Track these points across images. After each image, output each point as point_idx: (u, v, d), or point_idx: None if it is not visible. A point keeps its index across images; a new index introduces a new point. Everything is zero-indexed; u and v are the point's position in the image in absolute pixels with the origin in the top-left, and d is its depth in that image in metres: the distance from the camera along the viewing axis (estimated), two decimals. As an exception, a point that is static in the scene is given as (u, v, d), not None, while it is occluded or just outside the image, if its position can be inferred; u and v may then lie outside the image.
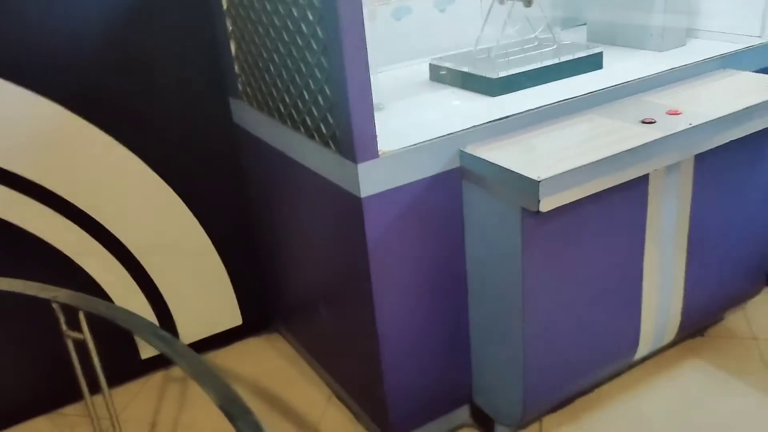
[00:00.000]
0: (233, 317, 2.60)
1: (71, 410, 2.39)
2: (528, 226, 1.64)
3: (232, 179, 2.43)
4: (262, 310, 2.68)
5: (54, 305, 1.59)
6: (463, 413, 2.10)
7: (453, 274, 1.88)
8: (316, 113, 1.75)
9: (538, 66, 2.08)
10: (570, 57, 2.13)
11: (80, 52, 2.04)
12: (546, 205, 1.56)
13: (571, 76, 2.12)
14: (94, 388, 1.73)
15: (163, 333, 1.39)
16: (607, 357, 2.00)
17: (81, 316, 1.57)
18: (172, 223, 2.35)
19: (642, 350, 2.06)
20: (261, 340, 2.68)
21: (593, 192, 1.66)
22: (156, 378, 2.53)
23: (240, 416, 1.15)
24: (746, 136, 1.87)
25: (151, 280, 2.39)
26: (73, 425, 2.31)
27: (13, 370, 2.27)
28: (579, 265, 1.80)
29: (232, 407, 1.18)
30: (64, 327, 1.63)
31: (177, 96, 2.24)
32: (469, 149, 1.74)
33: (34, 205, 2.10)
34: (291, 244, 2.26)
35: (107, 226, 2.24)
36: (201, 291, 2.49)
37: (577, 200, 1.64)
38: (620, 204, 1.81)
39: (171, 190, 2.30)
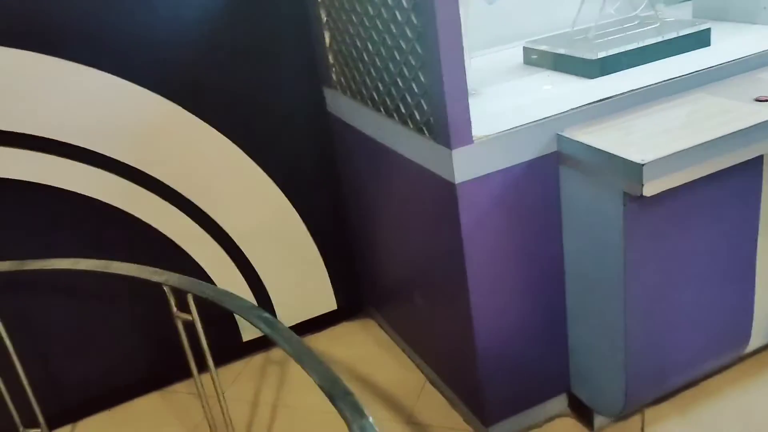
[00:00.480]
0: (328, 302, 2.66)
1: (180, 387, 2.53)
2: (630, 212, 1.59)
3: (327, 168, 2.48)
4: (355, 295, 2.73)
5: (165, 288, 1.68)
6: (560, 402, 2.06)
7: (549, 260, 1.84)
8: (410, 100, 1.76)
9: (640, 45, 1.99)
10: (674, 35, 2.03)
11: (186, 50, 2.14)
12: (650, 189, 1.50)
13: (675, 54, 2.02)
14: (201, 368, 1.81)
15: (267, 315, 1.44)
16: (716, 348, 1.91)
17: (189, 298, 1.65)
18: (271, 212, 2.43)
19: (754, 342, 1.95)
20: (354, 325, 2.73)
21: (701, 175, 1.58)
22: (257, 360, 2.63)
23: (341, 397, 1.18)
24: None
25: (252, 266, 2.48)
26: (182, 402, 2.45)
27: (127, 348, 2.43)
28: (685, 251, 1.72)
29: (332, 388, 1.21)
30: (174, 309, 1.72)
31: (275, 88, 2.31)
32: (567, 133, 1.70)
33: (146, 195, 2.23)
34: (385, 231, 2.28)
35: (211, 215, 2.34)
36: (298, 277, 2.57)
37: (684, 184, 1.56)
38: (731, 187, 1.72)
39: (270, 179, 2.38)
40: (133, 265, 1.75)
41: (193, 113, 2.19)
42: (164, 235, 2.30)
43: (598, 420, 1.98)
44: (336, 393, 1.19)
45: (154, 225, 2.28)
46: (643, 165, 1.47)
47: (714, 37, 2.07)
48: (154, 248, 2.29)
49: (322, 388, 1.23)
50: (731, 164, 1.61)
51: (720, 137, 1.55)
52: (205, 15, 2.13)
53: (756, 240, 1.82)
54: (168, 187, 2.25)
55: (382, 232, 2.32)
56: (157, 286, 1.70)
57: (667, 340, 1.79)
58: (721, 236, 1.76)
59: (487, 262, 1.77)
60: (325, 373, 1.25)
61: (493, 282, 1.80)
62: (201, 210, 2.32)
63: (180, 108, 2.17)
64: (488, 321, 1.83)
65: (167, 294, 1.70)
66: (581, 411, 2.02)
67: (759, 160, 1.71)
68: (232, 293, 1.58)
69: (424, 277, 2.10)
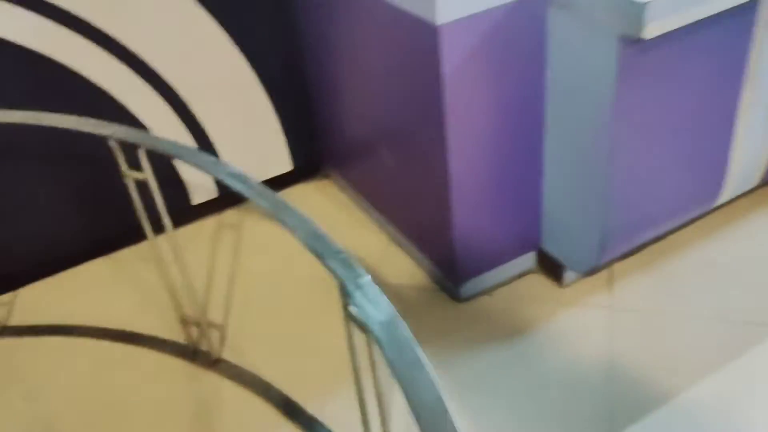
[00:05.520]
0: (283, 162, 2.51)
1: (127, 254, 2.38)
2: (624, 56, 1.47)
3: (281, 10, 2.22)
4: (313, 155, 2.57)
5: (112, 142, 1.48)
6: (529, 259, 2.04)
7: (531, 111, 1.73)
8: (386, -75, 1.54)
9: None
10: None
11: None
12: (650, 31, 1.39)
13: None
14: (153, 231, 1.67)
15: (237, 171, 1.29)
16: (691, 201, 1.89)
17: (141, 153, 1.47)
18: (218, 61, 2.19)
19: (725, 195, 1.95)
20: (312, 186, 2.60)
21: (700, 17, 1.47)
22: (208, 223, 2.49)
23: (331, 255, 1.07)
24: None
25: (199, 124, 2.27)
26: (131, 267, 2.31)
27: (69, 213, 2.24)
28: (672, 100, 1.64)
29: (320, 246, 1.10)
30: (123, 166, 1.53)
31: None
32: (561, -32, 1.54)
33: (76, 39, 1.95)
34: (350, 84, 2.10)
35: (153, 66, 2.09)
36: (250, 135, 2.38)
37: (680, 27, 1.46)
38: (724, 33, 1.61)
39: (218, 25, 2.12)
40: (71, 117, 1.54)
41: (125, -57, 1.89)
42: (100, 89, 2.05)
43: (567, 275, 1.98)
44: (325, 251, 1.08)
45: (89, 77, 2.02)
46: (645, 3, 1.35)
47: None
48: (90, 104, 2.04)
49: (307, 246, 1.11)
50: (731, 5, 1.51)
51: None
52: None
53: (740, 91, 1.75)
54: (104, 33, 1.97)
55: (346, 85, 2.14)
56: (100, 140, 1.50)
57: (646, 191, 1.75)
58: (708, 85, 1.69)
59: (468, 114, 1.65)
60: (310, 229, 1.13)
61: (473, 136, 1.69)
62: (141, 60, 2.06)
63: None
64: (465, 176, 1.74)
65: (114, 150, 1.51)
66: (550, 267, 2.01)
67: (753, 6, 1.61)
68: (190, 147, 1.41)
69: (395, 132, 1.97)
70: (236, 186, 1.25)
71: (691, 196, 1.88)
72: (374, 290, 0.99)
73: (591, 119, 1.61)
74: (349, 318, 1.04)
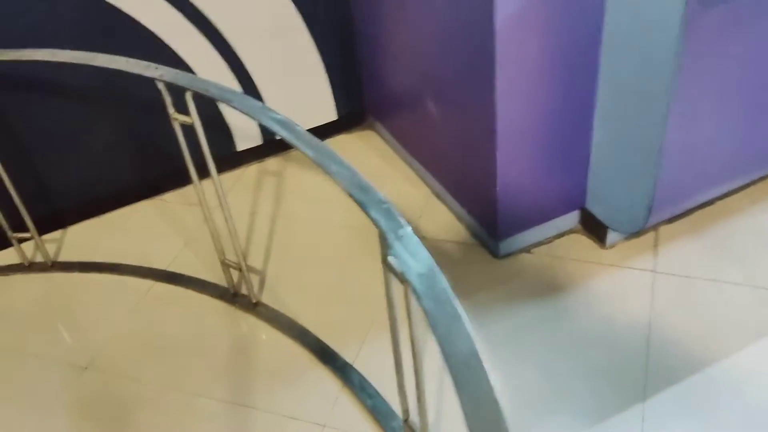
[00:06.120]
0: (328, 112, 2.50)
1: (171, 197, 2.43)
2: (692, 8, 1.40)
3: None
4: (358, 105, 2.56)
5: (159, 84, 1.49)
6: (572, 218, 2.01)
7: (585, 63, 1.67)
8: None
9: None
10: None
11: None
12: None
13: None
14: (200, 176, 1.69)
15: (282, 117, 1.29)
16: (747, 165, 1.83)
17: (188, 96, 1.47)
18: (265, 5, 2.17)
19: (781, 162, 1.88)
20: (355, 137, 2.60)
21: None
22: (251, 170, 2.51)
23: (374, 204, 1.07)
24: None
25: (245, 68, 2.27)
26: (175, 211, 2.36)
27: (116, 154, 2.28)
28: (738, 60, 1.57)
29: (364, 195, 1.09)
30: (170, 109, 1.54)
31: None
32: None
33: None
34: (398, 31, 2.06)
35: (201, 8, 2.09)
36: (295, 82, 2.37)
37: (750, -19, 1.38)
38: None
39: (264, -33, 2.10)
40: (120, 57, 1.55)
41: None
42: (147, 29, 2.06)
43: (611, 236, 1.94)
44: (368, 200, 1.08)
45: (136, 17, 2.03)
46: (714, -46, 1.27)
47: None
48: (136, 44, 2.06)
49: (351, 195, 1.11)
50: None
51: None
52: None
53: (808, 52, 1.66)
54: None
55: (395, 33, 2.10)
56: (149, 83, 1.51)
57: (701, 152, 1.69)
58: (774, 45, 1.60)
59: (518, 62, 1.60)
60: (354, 178, 1.13)
61: (522, 86, 1.65)
62: (189, 2, 2.06)
63: None
64: (512, 129, 1.70)
65: (162, 92, 1.51)
66: (594, 228, 1.98)
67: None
68: (238, 92, 1.41)
69: (442, 82, 1.93)
70: (282, 132, 1.25)
71: (746, 160, 1.81)
72: (414, 241, 0.99)
73: (650, 73, 1.54)
74: (388, 268, 1.04)
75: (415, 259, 0.97)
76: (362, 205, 1.08)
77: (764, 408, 1.52)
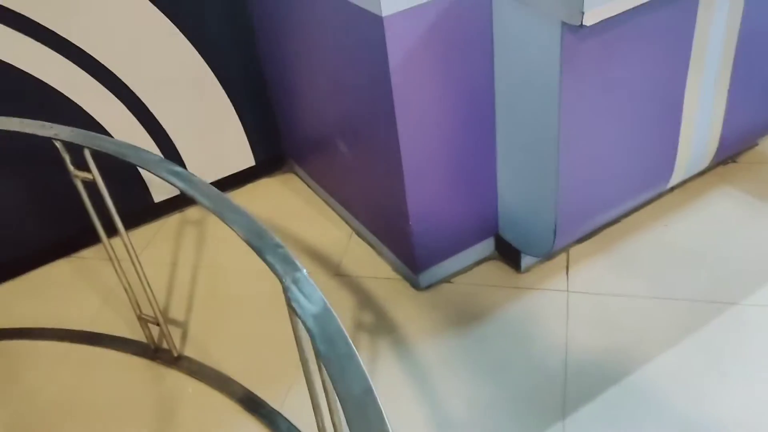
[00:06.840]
0: (245, 158, 2.51)
1: (89, 253, 2.37)
2: (568, 43, 1.48)
3: (236, 8, 2.22)
4: (275, 149, 2.57)
5: (57, 143, 1.48)
6: (487, 246, 2.06)
7: (480, 99, 1.75)
8: None
9: None
10: None
11: None
12: (590, 17, 1.40)
13: None
14: (112, 232, 1.66)
15: (178, 168, 1.29)
16: (642, 184, 1.92)
17: (87, 154, 1.46)
18: (173, 59, 2.18)
19: (676, 177, 1.98)
20: (275, 181, 2.61)
21: (641, 2, 1.48)
22: (172, 221, 2.48)
23: (270, 250, 1.08)
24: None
25: (157, 122, 2.26)
26: (93, 267, 2.30)
27: (25, 214, 2.22)
28: (619, 86, 1.66)
29: (260, 241, 1.10)
30: (71, 167, 1.53)
31: None
32: (502, -44, 1.54)
33: (25, 40, 1.93)
34: (305, 77, 2.10)
35: (107, 65, 2.08)
36: (210, 131, 2.38)
37: (622, 12, 1.47)
38: (667, 18, 1.63)
39: (169, 21, 2.11)
40: (14, 119, 1.52)
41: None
42: (51, 88, 2.04)
43: (525, 260, 2.00)
44: (264, 246, 1.09)
45: (38, 75, 2.00)
46: (583, -10, 1.36)
47: None
48: (40, 104, 2.03)
49: (248, 242, 1.12)
50: (671, -10, 1.52)
51: (664, -42, 1.44)
52: None
53: (686, 75, 1.78)
54: (51, 31, 1.95)
55: (302, 79, 2.13)
56: (51, 142, 1.49)
57: (598, 176, 1.77)
58: (654, 71, 1.71)
59: (417, 105, 1.66)
60: (251, 225, 1.14)
61: (423, 125, 1.70)
62: (93, 58, 2.05)
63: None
64: (418, 165, 1.75)
65: (60, 150, 1.50)
66: (508, 253, 2.03)
67: (696, -10, 1.63)
68: (135, 146, 1.40)
69: (350, 124, 1.97)
70: (178, 184, 1.25)
71: (642, 179, 1.91)
72: (309, 284, 1.00)
73: (538, 107, 1.63)
74: (293, 311, 1.05)
75: (310, 301, 0.98)
76: (258, 252, 1.09)
77: (680, 413, 1.58)
